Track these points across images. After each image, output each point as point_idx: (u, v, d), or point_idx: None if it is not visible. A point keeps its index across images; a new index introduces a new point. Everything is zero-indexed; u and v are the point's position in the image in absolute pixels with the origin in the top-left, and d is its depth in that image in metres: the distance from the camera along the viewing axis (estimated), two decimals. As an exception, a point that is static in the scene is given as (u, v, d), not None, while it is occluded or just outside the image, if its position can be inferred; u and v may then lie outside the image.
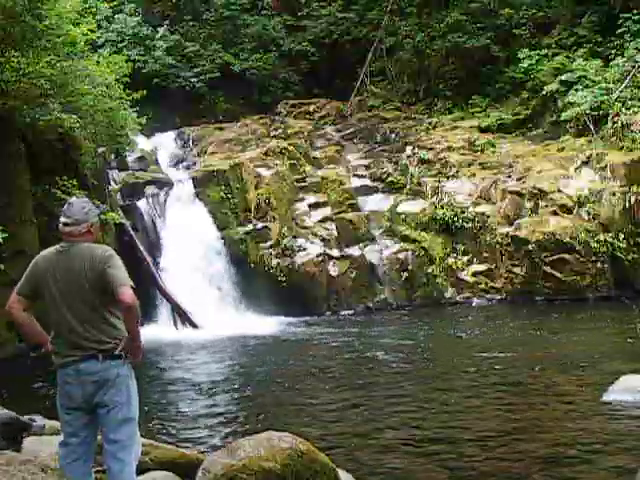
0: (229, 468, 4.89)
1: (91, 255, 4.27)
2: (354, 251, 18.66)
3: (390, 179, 20.49)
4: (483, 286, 18.25)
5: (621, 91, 19.48)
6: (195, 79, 25.86)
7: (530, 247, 17.50)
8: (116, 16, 25.24)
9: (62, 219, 4.38)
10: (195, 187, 18.89)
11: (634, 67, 19.81)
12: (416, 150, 21.10)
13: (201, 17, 28.27)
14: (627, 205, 17.47)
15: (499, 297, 18.07)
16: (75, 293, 4.24)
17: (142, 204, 18.33)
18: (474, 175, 19.83)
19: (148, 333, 15.33)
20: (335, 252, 18.43)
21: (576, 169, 18.64)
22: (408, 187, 20.19)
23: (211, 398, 9.74)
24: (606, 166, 18.05)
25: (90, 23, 15.28)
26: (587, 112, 19.40)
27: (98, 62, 15.93)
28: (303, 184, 20.04)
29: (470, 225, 18.71)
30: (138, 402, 4.44)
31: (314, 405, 9.06)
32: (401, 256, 18.64)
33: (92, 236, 4.43)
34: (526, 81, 22.70)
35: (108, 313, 4.30)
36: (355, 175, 21.05)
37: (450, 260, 18.57)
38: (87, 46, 15.50)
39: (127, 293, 4.14)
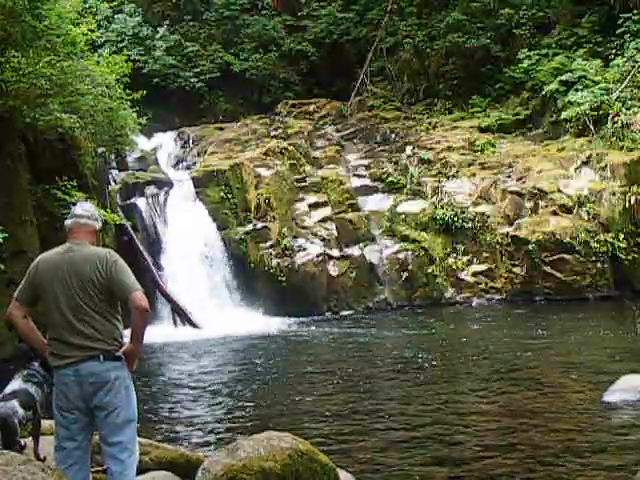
0: (229, 468, 4.89)
1: (99, 259, 4.30)
2: (354, 251, 18.67)
3: (390, 179, 20.50)
4: (483, 286, 18.25)
5: (621, 91, 19.48)
6: (195, 79, 25.86)
7: (530, 247, 17.51)
8: (116, 16, 25.26)
9: (78, 211, 4.44)
10: (195, 187, 18.89)
11: (634, 67, 19.82)
12: (416, 150, 21.11)
13: (201, 17, 28.27)
14: (627, 205, 17.46)
15: (499, 297, 18.07)
16: (81, 295, 4.25)
17: (142, 204, 18.33)
18: (474, 175, 19.83)
19: (148, 333, 15.42)
20: (335, 252, 18.43)
21: (576, 169, 18.64)
22: (408, 187, 20.19)
23: (211, 398, 9.74)
24: (606, 166, 18.05)
25: (90, 23, 15.28)
26: (587, 112, 19.40)
27: (98, 62, 15.92)
28: (303, 184, 20.04)
29: (470, 225, 18.71)
30: (136, 404, 4.43)
31: (314, 405, 9.06)
32: (401, 256, 18.64)
33: (96, 237, 4.52)
34: (526, 81, 22.70)
35: (110, 315, 4.32)
36: (355, 175, 21.06)
37: (450, 260, 18.56)
38: (87, 46, 15.49)
39: (143, 299, 4.25)
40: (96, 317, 4.26)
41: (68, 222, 4.44)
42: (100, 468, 4.74)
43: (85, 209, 4.48)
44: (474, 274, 18.39)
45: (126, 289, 4.24)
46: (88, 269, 4.25)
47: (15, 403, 4.38)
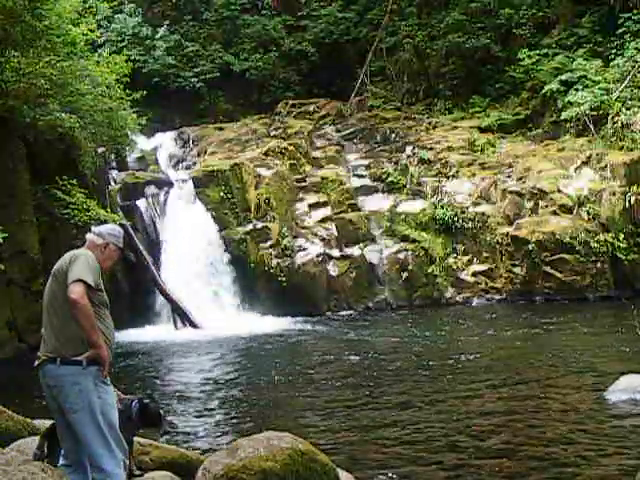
0: (229, 468, 4.89)
1: (70, 255, 4.31)
2: (354, 251, 18.66)
3: (390, 179, 20.49)
4: (483, 286, 18.25)
5: (621, 91, 19.49)
6: (195, 79, 25.88)
7: (530, 247, 17.50)
8: (116, 16, 25.26)
9: (91, 228, 4.66)
10: (195, 187, 18.89)
11: (634, 67, 19.82)
12: (416, 150, 21.11)
13: (201, 17, 28.30)
14: (627, 205, 17.47)
15: (499, 297, 18.07)
16: (52, 296, 4.29)
17: (142, 204, 18.34)
18: (474, 175, 19.84)
19: (148, 333, 15.44)
20: (335, 252, 18.43)
21: (576, 169, 18.64)
22: (408, 187, 20.19)
23: (211, 398, 9.74)
24: (606, 166, 18.05)
25: (90, 23, 15.31)
26: (587, 112, 19.41)
27: (98, 62, 15.95)
28: (303, 184, 20.04)
29: (470, 225, 18.71)
30: (106, 409, 4.22)
31: (314, 405, 9.06)
32: (401, 256, 18.64)
33: (100, 253, 4.45)
34: (526, 81, 22.72)
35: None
36: (355, 175, 21.06)
37: (450, 260, 18.56)
38: (87, 46, 15.51)
39: (74, 290, 4.03)
40: (63, 319, 4.19)
41: None
42: None
43: (96, 228, 4.60)
44: (474, 274, 18.39)
45: (68, 278, 4.11)
46: (61, 263, 4.28)
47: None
